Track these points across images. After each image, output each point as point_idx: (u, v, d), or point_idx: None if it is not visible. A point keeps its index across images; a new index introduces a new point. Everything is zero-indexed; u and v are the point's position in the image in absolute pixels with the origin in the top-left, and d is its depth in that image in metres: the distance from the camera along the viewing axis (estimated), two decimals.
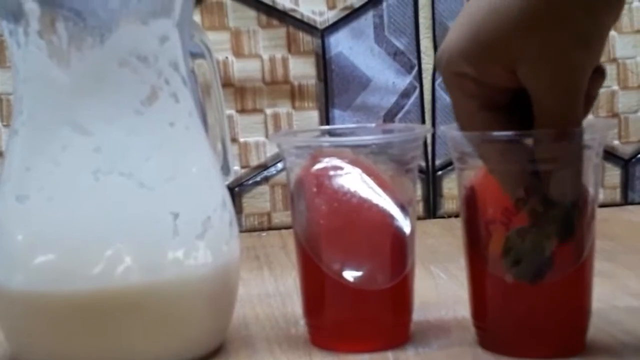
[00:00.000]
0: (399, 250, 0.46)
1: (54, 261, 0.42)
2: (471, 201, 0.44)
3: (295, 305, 0.54)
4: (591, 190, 0.44)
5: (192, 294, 0.44)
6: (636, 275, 0.59)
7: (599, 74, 0.42)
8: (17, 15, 0.42)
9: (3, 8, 0.43)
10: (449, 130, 0.45)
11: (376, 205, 0.45)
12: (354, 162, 0.45)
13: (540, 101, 0.41)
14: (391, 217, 0.45)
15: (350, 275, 0.45)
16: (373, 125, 0.74)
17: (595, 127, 0.45)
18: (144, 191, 0.43)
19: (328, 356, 0.45)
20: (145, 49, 0.43)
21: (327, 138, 0.51)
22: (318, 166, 0.46)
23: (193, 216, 0.44)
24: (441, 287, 0.58)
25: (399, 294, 0.46)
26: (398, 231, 0.46)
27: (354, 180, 0.45)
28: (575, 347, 0.44)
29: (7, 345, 0.46)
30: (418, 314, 0.49)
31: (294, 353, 0.46)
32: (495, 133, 0.42)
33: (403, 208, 0.46)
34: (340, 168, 0.45)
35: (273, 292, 0.59)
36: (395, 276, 0.46)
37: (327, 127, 0.79)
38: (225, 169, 0.53)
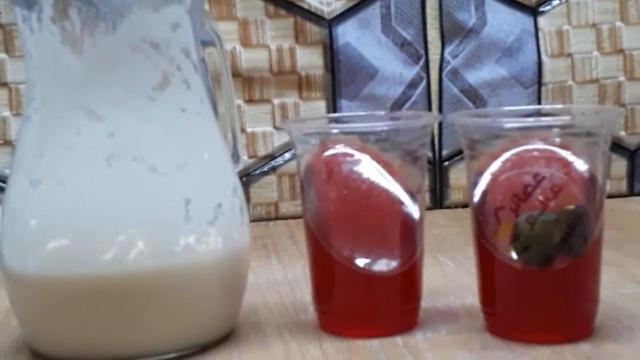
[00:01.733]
0: (408, 236, 0.46)
1: (67, 246, 0.42)
2: (480, 187, 0.45)
3: (304, 293, 0.54)
4: (599, 178, 0.44)
5: (203, 279, 0.44)
6: None
7: None
8: (30, 2, 0.43)
9: None
10: (459, 117, 0.46)
11: (386, 192, 0.46)
12: (363, 150, 0.46)
13: None
14: (400, 204, 0.46)
15: (360, 261, 0.45)
16: (382, 113, 0.75)
17: (604, 114, 0.45)
18: (156, 176, 0.43)
19: (337, 341, 0.46)
20: (157, 36, 0.43)
21: (337, 124, 0.51)
22: (328, 153, 0.46)
23: (205, 202, 0.44)
24: (449, 275, 0.59)
25: (408, 280, 0.47)
26: (407, 217, 0.46)
27: (363, 167, 0.45)
28: (584, 332, 0.44)
29: (21, 330, 0.47)
30: (426, 301, 0.49)
31: (303, 338, 0.46)
32: (506, 122, 0.42)
33: (412, 195, 0.46)
34: (350, 155, 0.46)
35: (282, 280, 0.59)
36: (404, 262, 0.46)
37: (335, 114, 0.79)
38: (235, 156, 0.53)
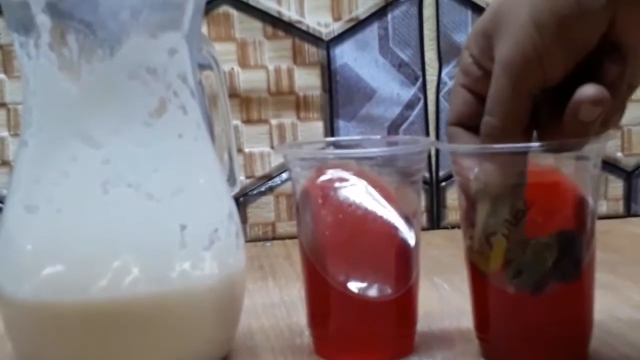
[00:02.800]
0: (403, 261, 0.46)
1: (62, 272, 0.42)
2: (471, 213, 0.45)
3: (300, 316, 0.54)
4: (590, 201, 0.44)
5: (198, 304, 0.44)
6: (638, 287, 0.59)
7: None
8: (28, 28, 0.43)
9: (14, 20, 0.44)
10: (448, 145, 0.46)
11: (381, 217, 0.46)
12: (359, 174, 0.46)
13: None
14: (396, 229, 0.46)
15: (355, 286, 0.46)
16: (378, 137, 0.75)
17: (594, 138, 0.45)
18: (151, 203, 0.43)
19: None
20: (154, 62, 0.43)
21: (333, 150, 0.51)
22: (323, 178, 0.46)
23: (200, 228, 0.44)
24: (445, 298, 0.59)
25: (404, 306, 0.47)
26: (403, 243, 0.46)
27: (359, 192, 0.46)
28: (577, 359, 0.44)
29: (15, 355, 0.47)
30: (422, 325, 0.49)
31: None
32: (496, 145, 0.42)
33: (408, 220, 0.46)
34: (346, 180, 0.46)
35: (278, 303, 0.59)
36: (399, 287, 0.46)
37: (332, 138, 0.79)
38: (232, 179, 0.53)
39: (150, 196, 0.43)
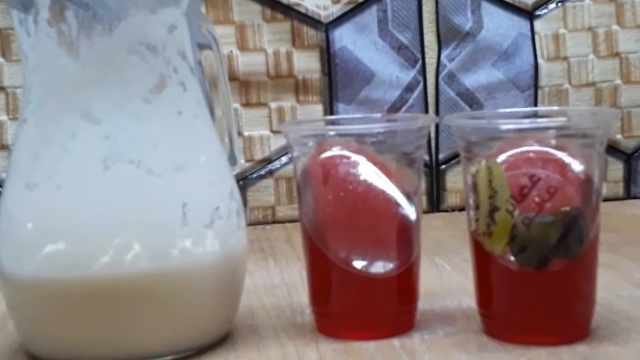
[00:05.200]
0: (405, 238, 0.46)
1: (63, 249, 0.42)
2: (476, 189, 0.45)
3: (301, 295, 0.54)
4: (595, 180, 0.44)
5: (200, 282, 0.44)
6: (639, 266, 0.59)
7: None
8: (27, 4, 0.43)
9: None
10: (456, 119, 0.46)
11: (382, 194, 0.46)
12: (359, 152, 0.46)
13: None
14: (397, 206, 0.46)
15: (356, 263, 0.45)
16: (378, 115, 0.75)
17: (599, 116, 0.45)
18: (152, 179, 0.43)
19: (334, 343, 0.46)
20: (153, 38, 0.43)
21: (334, 127, 0.51)
22: (324, 155, 0.46)
23: (202, 206, 0.44)
24: (446, 277, 0.59)
25: (405, 282, 0.47)
26: (404, 219, 0.46)
27: (360, 169, 0.45)
28: (580, 334, 0.44)
29: (17, 333, 0.47)
30: (423, 304, 0.49)
31: (300, 340, 0.46)
32: (502, 124, 0.42)
33: (408, 197, 0.46)
34: (347, 157, 0.46)
35: (279, 283, 0.59)
36: (401, 264, 0.46)
37: (332, 117, 0.79)
38: (232, 159, 0.53)
39: (151, 172, 0.43)
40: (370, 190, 0.45)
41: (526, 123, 0.42)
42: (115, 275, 0.42)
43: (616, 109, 0.84)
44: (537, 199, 0.43)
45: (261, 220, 0.83)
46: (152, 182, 0.43)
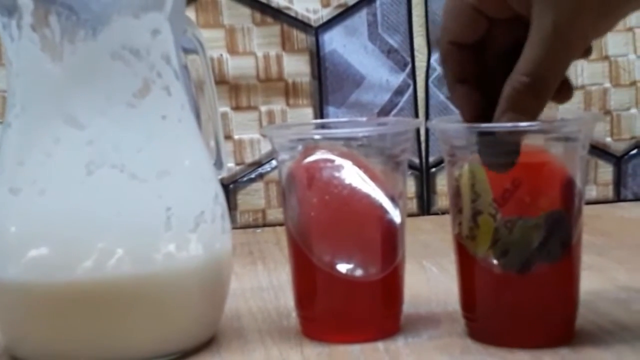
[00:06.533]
0: (389, 241, 0.46)
1: (47, 253, 0.42)
2: (460, 192, 0.45)
3: (288, 299, 0.54)
4: (578, 182, 0.44)
5: (184, 286, 0.44)
6: (626, 269, 0.59)
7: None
8: (10, 9, 0.43)
9: None
10: (439, 123, 0.46)
11: (367, 197, 0.46)
12: (345, 155, 0.46)
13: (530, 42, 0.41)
14: (381, 209, 0.46)
15: (341, 266, 0.46)
16: (364, 119, 0.75)
17: (582, 119, 0.46)
18: (136, 184, 0.43)
19: (319, 346, 0.46)
20: (137, 42, 0.43)
21: (318, 130, 0.51)
22: (309, 159, 0.46)
23: (186, 210, 0.44)
24: (432, 281, 0.59)
25: (390, 285, 0.47)
26: (389, 223, 0.46)
27: (345, 173, 0.46)
28: (563, 337, 0.44)
29: (2, 337, 0.47)
30: (409, 307, 0.49)
31: (285, 344, 0.46)
32: (484, 125, 0.42)
33: (393, 200, 0.46)
34: (332, 161, 0.46)
35: (266, 286, 0.59)
36: (385, 267, 0.46)
37: (319, 120, 0.79)
38: (219, 163, 0.53)
39: (134, 177, 0.43)
40: (354, 194, 0.46)
41: (508, 126, 0.42)
42: (99, 280, 0.42)
43: (600, 113, 0.84)
44: (519, 202, 0.43)
45: (251, 224, 0.83)
46: (136, 187, 0.43)
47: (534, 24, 0.40)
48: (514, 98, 0.41)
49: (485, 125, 0.42)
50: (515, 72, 0.41)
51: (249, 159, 0.83)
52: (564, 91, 0.43)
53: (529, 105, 0.41)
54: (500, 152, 0.43)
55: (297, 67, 0.82)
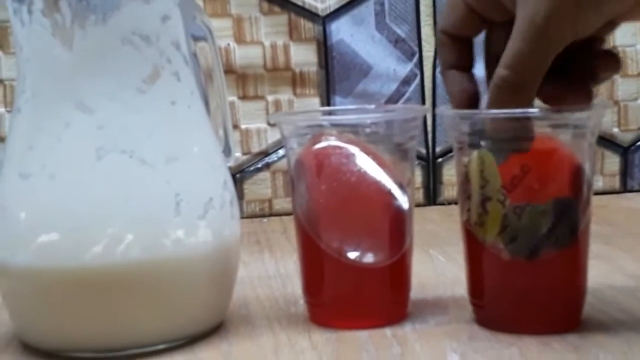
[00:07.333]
0: (397, 228, 0.46)
1: (56, 238, 0.43)
2: (469, 179, 0.45)
3: (295, 287, 0.54)
4: (586, 169, 0.44)
5: (193, 272, 0.44)
6: (633, 258, 0.59)
7: (613, 59, 0.43)
8: None
9: None
10: (448, 110, 0.46)
11: (375, 184, 0.46)
12: (353, 142, 0.46)
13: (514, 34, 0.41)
14: (390, 196, 0.46)
15: (349, 253, 0.46)
16: (372, 106, 0.75)
17: (591, 107, 0.45)
18: (146, 169, 0.43)
19: (327, 332, 0.46)
20: (147, 28, 0.43)
21: (327, 117, 0.51)
22: (318, 146, 0.46)
23: (195, 197, 0.44)
24: (440, 269, 0.59)
25: (398, 272, 0.47)
26: (397, 209, 0.46)
27: (353, 160, 0.46)
28: (571, 324, 0.44)
29: (12, 322, 0.47)
30: (416, 294, 0.49)
31: (293, 330, 0.47)
32: (494, 115, 0.42)
33: (402, 187, 0.46)
34: (340, 148, 0.46)
35: (274, 274, 0.60)
36: (394, 254, 0.46)
37: (327, 108, 0.79)
38: (227, 151, 0.53)
39: (144, 163, 0.43)
40: (363, 181, 0.46)
41: (518, 114, 0.42)
42: (109, 265, 0.42)
43: (612, 103, 0.84)
44: (528, 189, 0.43)
45: (258, 214, 0.83)
46: (146, 173, 0.43)
47: (516, 20, 0.41)
48: (494, 93, 0.42)
49: (495, 112, 0.42)
50: (498, 67, 0.41)
51: (256, 148, 0.83)
52: (606, 64, 0.43)
53: (507, 100, 0.41)
54: (507, 140, 0.43)
55: (304, 56, 0.82)
